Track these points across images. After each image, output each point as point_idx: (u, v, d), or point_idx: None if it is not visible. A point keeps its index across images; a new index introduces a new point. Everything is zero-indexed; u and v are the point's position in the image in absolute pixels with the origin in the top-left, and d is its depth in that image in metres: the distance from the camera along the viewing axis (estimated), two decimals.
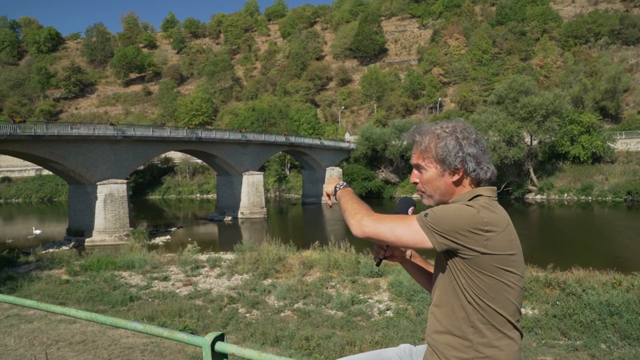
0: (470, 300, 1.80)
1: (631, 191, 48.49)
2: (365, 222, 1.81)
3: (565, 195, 52.29)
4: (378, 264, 2.00)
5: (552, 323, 9.51)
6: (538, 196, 53.36)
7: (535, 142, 54.38)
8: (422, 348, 2.10)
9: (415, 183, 1.99)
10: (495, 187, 1.95)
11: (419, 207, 2.05)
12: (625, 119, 63.30)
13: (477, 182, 1.92)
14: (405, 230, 1.76)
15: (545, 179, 53.92)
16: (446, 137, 1.88)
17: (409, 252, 2.21)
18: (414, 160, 1.96)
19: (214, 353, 1.46)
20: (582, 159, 53.76)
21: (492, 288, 1.79)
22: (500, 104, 51.84)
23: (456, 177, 1.90)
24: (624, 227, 35.95)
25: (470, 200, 1.84)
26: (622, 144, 55.47)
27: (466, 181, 1.91)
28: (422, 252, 2.07)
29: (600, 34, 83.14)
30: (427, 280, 2.20)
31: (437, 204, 1.94)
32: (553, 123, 49.41)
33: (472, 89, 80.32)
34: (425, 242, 1.75)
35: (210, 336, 1.49)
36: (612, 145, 54.29)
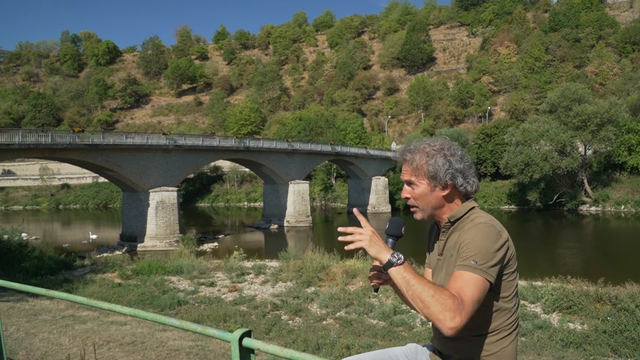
0: (487, 305, 1.92)
1: None
2: (456, 321, 1.72)
3: (623, 207, 50.14)
4: (376, 290, 2.05)
5: (601, 339, 9.20)
6: (593, 208, 51.40)
7: (589, 152, 52.53)
8: (429, 348, 2.19)
9: (407, 198, 2.10)
10: (474, 197, 2.11)
11: (411, 223, 2.15)
12: None
13: (464, 195, 2.07)
14: (479, 291, 1.81)
15: (600, 190, 51.90)
16: (435, 154, 2.01)
17: None
18: (405, 177, 2.08)
19: (241, 348, 1.59)
20: None
21: (505, 289, 1.96)
22: (553, 113, 50.41)
23: (446, 192, 2.03)
24: None
25: (466, 213, 2.01)
26: None
27: (455, 195, 2.05)
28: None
29: None
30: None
31: (429, 218, 2.09)
32: (609, 132, 47.62)
33: (524, 97, 78.50)
34: (489, 285, 1.86)
35: (238, 332, 1.62)
36: None
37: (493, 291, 1.90)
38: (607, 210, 50.59)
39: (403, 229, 2.07)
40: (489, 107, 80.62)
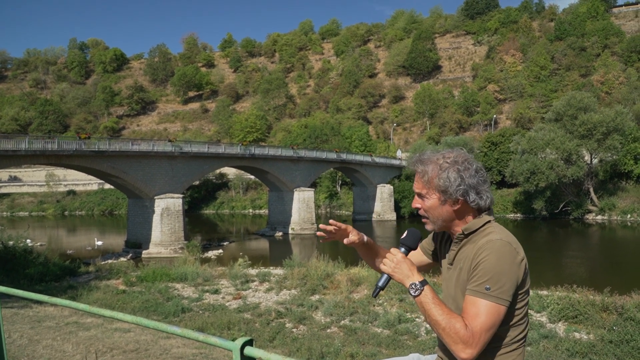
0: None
1: None
2: (468, 353, 1.76)
3: (629, 216, 49.86)
4: (375, 295, 2.05)
5: (607, 349, 9.11)
6: (599, 217, 51.13)
7: (595, 161, 52.35)
8: (431, 358, 2.17)
9: (417, 208, 2.08)
10: (492, 209, 2.06)
11: (423, 233, 2.16)
12: None
13: (478, 210, 2.01)
14: (493, 319, 1.81)
15: (606, 199, 51.65)
16: (448, 168, 1.96)
17: (365, 238, 2.31)
18: (416, 188, 2.05)
19: (243, 357, 1.58)
20: None
21: (518, 307, 1.93)
22: (558, 121, 50.31)
23: (457, 207, 1.99)
24: None
25: (482, 227, 1.97)
26: None
27: (467, 210, 2.00)
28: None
29: None
30: (374, 260, 2.35)
31: (440, 229, 2.08)
32: (615, 141, 47.46)
33: (529, 105, 78.39)
34: (505, 309, 1.84)
35: (240, 341, 1.61)
36: None
37: (509, 310, 1.88)
38: (613, 219, 50.32)
39: (418, 243, 2.11)
40: (494, 116, 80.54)
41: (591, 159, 51.41)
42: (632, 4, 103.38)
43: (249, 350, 1.58)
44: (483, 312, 1.79)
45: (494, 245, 1.85)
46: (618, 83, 74.12)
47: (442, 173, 1.97)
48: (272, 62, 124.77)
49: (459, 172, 1.95)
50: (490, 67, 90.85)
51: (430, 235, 2.28)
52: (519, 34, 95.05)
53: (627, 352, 8.92)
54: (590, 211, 51.73)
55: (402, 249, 2.05)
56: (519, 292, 1.89)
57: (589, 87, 72.37)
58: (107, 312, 1.90)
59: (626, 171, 52.60)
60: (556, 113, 50.92)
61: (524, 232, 45.97)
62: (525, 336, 1.97)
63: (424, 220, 2.08)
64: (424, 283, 1.89)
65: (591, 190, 51.99)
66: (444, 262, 2.14)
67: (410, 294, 1.90)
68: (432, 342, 9.79)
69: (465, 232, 1.99)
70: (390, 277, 2.01)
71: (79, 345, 6.86)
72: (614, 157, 51.23)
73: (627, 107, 55.56)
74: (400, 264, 1.95)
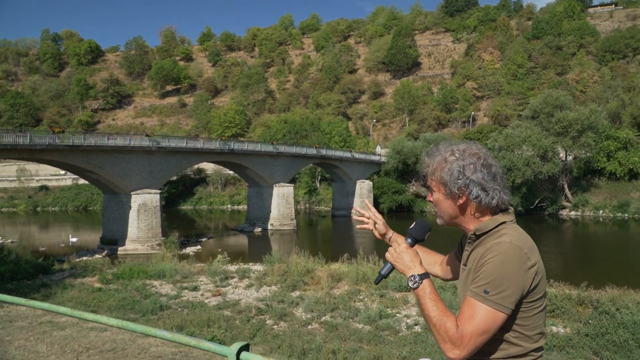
0: (506, 330, 1.84)
1: None
2: (455, 353, 1.72)
3: (601, 212, 50.95)
4: (377, 282, 2.08)
5: (584, 342, 9.26)
6: (572, 212, 52.13)
7: (570, 158, 53.26)
8: None
9: (431, 202, 2.04)
10: (512, 210, 1.96)
11: (434, 229, 2.10)
12: None
13: (485, 208, 1.92)
14: (487, 323, 1.74)
15: (580, 195, 52.69)
16: (453, 161, 1.89)
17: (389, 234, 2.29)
18: (427, 181, 2.01)
19: None
20: (618, 176, 52.67)
21: (528, 317, 1.85)
22: (535, 119, 51.04)
23: (460, 202, 1.92)
24: None
25: (495, 228, 1.88)
26: None
27: (472, 206, 1.92)
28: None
29: (639, 49, 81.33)
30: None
31: (449, 225, 2.01)
32: (589, 138, 48.35)
33: (507, 103, 79.37)
34: (503, 316, 1.77)
35: (236, 346, 1.53)
36: None
37: (512, 317, 1.80)
38: (586, 214, 51.34)
39: (427, 235, 2.07)
40: (472, 113, 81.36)
41: (566, 156, 52.29)
42: (607, 4, 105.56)
43: (245, 356, 1.50)
44: (478, 315, 1.73)
45: (502, 247, 1.78)
46: (592, 82, 75.45)
47: (445, 165, 1.91)
48: (252, 57, 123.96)
49: (460, 165, 1.88)
50: (468, 64, 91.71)
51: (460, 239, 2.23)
52: (497, 32, 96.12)
53: (603, 345, 9.08)
54: (564, 207, 52.66)
55: (409, 240, 2.04)
56: (528, 300, 1.81)
57: (565, 85, 73.52)
58: (90, 316, 1.80)
59: (599, 168, 53.65)
60: (533, 111, 51.68)
61: None
62: (540, 348, 1.88)
63: (435, 214, 2.06)
64: (423, 276, 1.86)
65: (565, 186, 52.92)
66: (461, 263, 2.07)
67: (409, 286, 1.88)
68: (414, 337, 9.81)
69: (477, 233, 1.91)
70: (393, 267, 1.99)
71: (53, 346, 6.69)
72: (588, 154, 52.21)
73: (600, 105, 56.59)
74: (402, 254, 1.94)
